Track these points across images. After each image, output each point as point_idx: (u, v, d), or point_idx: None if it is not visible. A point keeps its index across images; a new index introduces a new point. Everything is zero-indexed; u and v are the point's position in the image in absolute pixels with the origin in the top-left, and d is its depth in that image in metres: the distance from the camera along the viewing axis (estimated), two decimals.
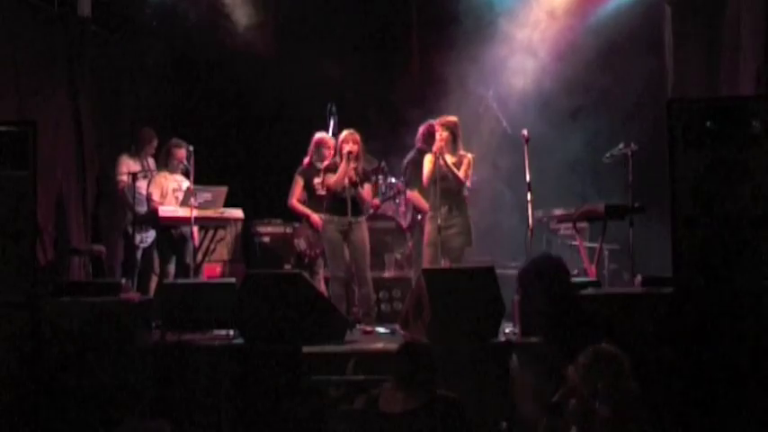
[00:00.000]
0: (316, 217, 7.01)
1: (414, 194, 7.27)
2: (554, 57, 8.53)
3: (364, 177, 6.77)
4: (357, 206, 6.68)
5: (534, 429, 3.58)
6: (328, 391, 5.20)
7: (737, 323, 4.45)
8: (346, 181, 6.60)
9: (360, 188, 6.67)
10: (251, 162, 9.37)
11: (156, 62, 9.17)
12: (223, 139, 9.44)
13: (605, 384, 3.27)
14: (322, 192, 6.99)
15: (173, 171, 7.44)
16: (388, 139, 8.41)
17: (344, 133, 6.77)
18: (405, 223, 8.21)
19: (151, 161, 7.86)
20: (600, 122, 8.13)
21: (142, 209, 7.38)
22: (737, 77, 6.81)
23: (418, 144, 7.37)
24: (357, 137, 6.72)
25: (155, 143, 7.85)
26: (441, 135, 6.76)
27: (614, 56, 8.24)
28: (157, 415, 5.21)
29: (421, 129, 7.37)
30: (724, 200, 4.48)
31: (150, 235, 7.58)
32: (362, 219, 6.77)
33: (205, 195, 7.05)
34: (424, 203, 7.03)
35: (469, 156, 6.84)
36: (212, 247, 7.54)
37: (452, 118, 6.88)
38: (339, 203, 6.63)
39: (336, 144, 6.87)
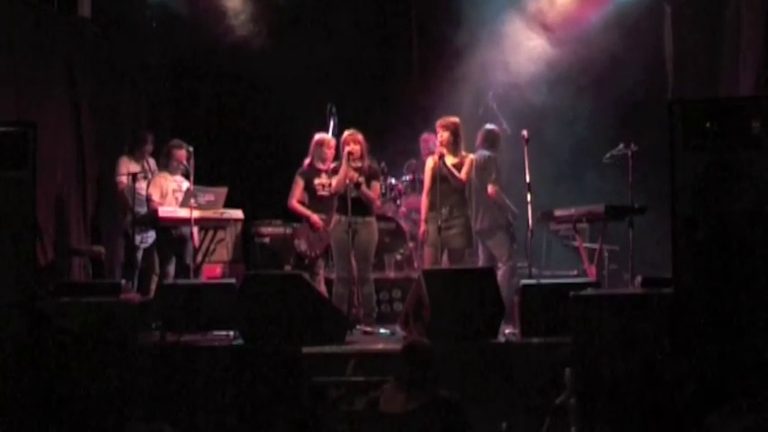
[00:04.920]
0: (316, 218, 6.99)
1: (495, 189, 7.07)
2: (554, 57, 8.53)
3: (371, 176, 6.74)
4: (362, 206, 6.64)
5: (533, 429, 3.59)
6: (328, 391, 5.20)
7: (737, 324, 4.45)
8: (347, 181, 6.58)
9: (364, 188, 6.64)
10: (251, 162, 9.37)
11: (156, 62, 9.18)
12: (223, 139, 9.44)
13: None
14: (323, 192, 6.99)
15: (173, 172, 7.42)
16: (389, 140, 8.42)
17: (345, 134, 6.76)
18: (405, 224, 8.22)
19: (152, 162, 7.86)
20: (600, 122, 8.13)
21: (142, 209, 7.37)
22: (737, 77, 6.81)
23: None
24: (358, 137, 6.69)
25: (150, 144, 7.85)
26: (442, 136, 6.75)
27: (614, 56, 8.24)
28: (157, 415, 5.21)
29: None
30: (724, 200, 4.48)
31: (150, 235, 7.56)
32: (369, 218, 6.72)
33: (205, 196, 7.04)
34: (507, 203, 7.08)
35: (471, 156, 6.83)
36: (212, 247, 7.52)
37: (454, 119, 6.87)
38: (345, 204, 6.62)
39: (339, 144, 6.87)
